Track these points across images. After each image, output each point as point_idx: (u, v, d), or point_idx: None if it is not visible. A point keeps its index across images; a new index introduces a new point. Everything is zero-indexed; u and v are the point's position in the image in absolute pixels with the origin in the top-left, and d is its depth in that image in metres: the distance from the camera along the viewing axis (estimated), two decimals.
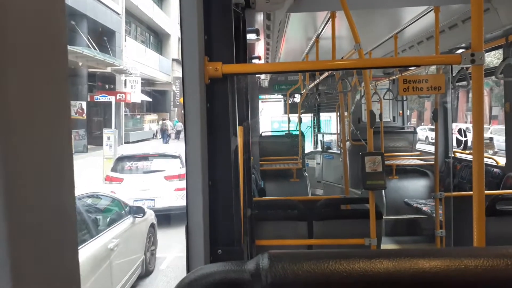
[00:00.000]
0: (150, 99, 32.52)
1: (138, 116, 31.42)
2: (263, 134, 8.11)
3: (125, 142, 25.10)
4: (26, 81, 0.52)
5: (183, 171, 9.71)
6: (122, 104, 26.01)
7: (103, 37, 24.01)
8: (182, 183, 9.45)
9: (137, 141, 26.81)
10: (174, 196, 9.68)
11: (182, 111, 1.75)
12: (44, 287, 0.54)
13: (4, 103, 0.48)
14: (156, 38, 35.53)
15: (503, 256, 0.52)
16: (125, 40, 26.22)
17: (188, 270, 1.71)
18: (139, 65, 27.17)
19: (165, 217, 9.34)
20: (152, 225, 7.04)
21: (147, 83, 31.37)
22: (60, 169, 0.58)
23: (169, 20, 34.84)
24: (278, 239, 3.21)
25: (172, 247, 8.22)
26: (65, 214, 0.59)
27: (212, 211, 1.75)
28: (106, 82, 25.93)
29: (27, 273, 0.50)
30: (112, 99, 22.53)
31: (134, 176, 10.15)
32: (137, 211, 6.22)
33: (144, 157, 10.66)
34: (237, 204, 1.87)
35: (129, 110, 29.26)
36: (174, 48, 36.42)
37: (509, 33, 4.17)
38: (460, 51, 4.68)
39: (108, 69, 23.88)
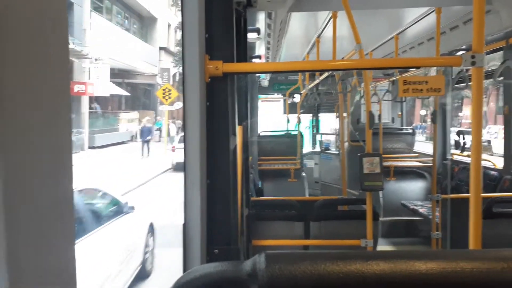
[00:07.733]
0: (128, 94, 27.17)
1: (112, 114, 25.37)
2: (261, 134, 8.09)
3: (89, 147, 20.04)
4: (25, 77, 0.52)
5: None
6: (85, 98, 21.12)
7: None
8: None
9: (108, 145, 21.77)
10: None
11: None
12: (41, 281, 0.54)
13: (4, 99, 0.48)
14: (139, 21, 29.21)
15: (498, 259, 0.52)
16: (91, 18, 20.51)
17: (184, 269, 1.71)
18: (113, 51, 21.75)
19: None
20: (151, 225, 6.85)
21: (126, 74, 26.37)
22: (59, 165, 0.59)
23: (156, 1, 28.66)
24: (274, 239, 3.21)
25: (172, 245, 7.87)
26: (63, 209, 0.59)
27: (210, 210, 1.75)
28: None
29: (23, 268, 0.51)
30: None
31: None
32: (130, 208, 6.08)
33: None
34: (235, 204, 1.87)
35: (100, 106, 24.20)
36: (162, 34, 30.62)
37: (510, 35, 4.17)
38: (460, 52, 4.69)
39: None
